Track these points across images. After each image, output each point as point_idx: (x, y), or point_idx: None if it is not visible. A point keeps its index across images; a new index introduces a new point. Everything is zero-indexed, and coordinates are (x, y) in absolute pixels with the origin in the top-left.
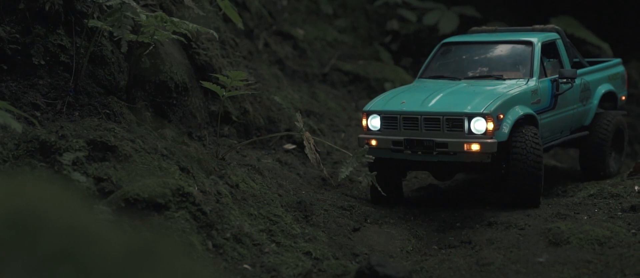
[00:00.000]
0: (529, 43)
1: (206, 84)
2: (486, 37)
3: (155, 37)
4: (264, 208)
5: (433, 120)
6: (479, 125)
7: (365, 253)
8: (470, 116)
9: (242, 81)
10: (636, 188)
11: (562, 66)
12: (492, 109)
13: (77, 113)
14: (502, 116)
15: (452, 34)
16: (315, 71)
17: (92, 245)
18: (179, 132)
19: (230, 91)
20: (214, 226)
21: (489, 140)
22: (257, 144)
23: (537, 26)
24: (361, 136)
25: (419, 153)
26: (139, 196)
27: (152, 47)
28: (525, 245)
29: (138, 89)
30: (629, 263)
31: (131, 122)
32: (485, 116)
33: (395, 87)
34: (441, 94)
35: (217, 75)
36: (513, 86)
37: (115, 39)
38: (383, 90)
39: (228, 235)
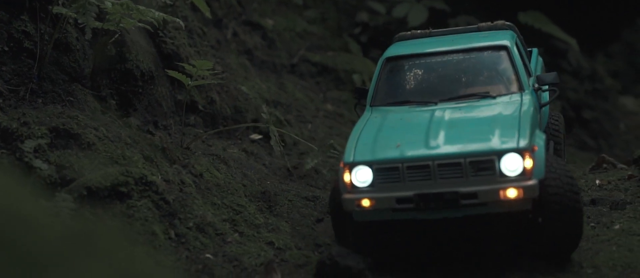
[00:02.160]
0: (502, 48)
1: (172, 73)
2: (439, 46)
3: (121, 25)
4: (228, 198)
5: (451, 165)
6: (512, 163)
7: (328, 244)
8: (501, 154)
9: (208, 70)
10: (597, 182)
11: (527, 69)
12: (527, 141)
13: (40, 100)
14: (536, 148)
15: (421, 26)
16: (283, 61)
17: (32, 231)
18: (144, 121)
19: (196, 80)
20: (177, 216)
21: (529, 182)
22: (223, 134)
23: (483, 24)
24: (347, 196)
25: (437, 210)
26: (101, 184)
27: (117, 35)
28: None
29: (103, 77)
30: (587, 256)
31: (95, 110)
32: (521, 151)
33: (363, 78)
34: (442, 128)
35: (183, 64)
36: (513, 105)
37: (80, 26)
38: (351, 82)
39: (191, 224)
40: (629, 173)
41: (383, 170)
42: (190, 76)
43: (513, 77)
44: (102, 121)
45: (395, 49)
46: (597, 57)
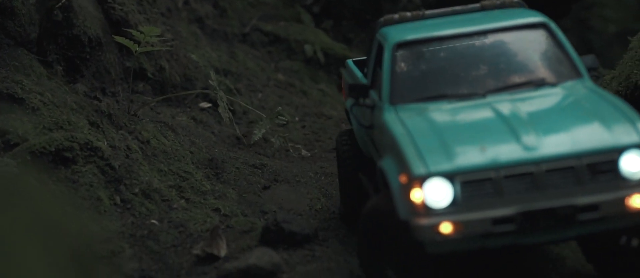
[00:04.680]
0: (541, 26)
1: (119, 39)
2: (458, 27)
3: None
4: (175, 165)
5: (563, 170)
6: (634, 162)
7: (274, 211)
8: (622, 150)
9: (157, 37)
10: None
11: None
12: None
13: None
14: None
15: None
16: (235, 30)
17: None
18: (92, 87)
19: (144, 47)
20: (123, 181)
21: None
22: (172, 102)
23: (487, 2)
24: (422, 222)
25: (546, 230)
26: (46, 149)
27: (64, 0)
28: None
29: (50, 42)
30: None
31: (41, 75)
32: None
33: (315, 49)
34: (525, 125)
35: (131, 31)
36: (589, 93)
37: None
38: (303, 52)
39: (136, 190)
40: None
41: (471, 183)
42: (138, 42)
43: (564, 60)
44: (48, 86)
45: (403, 33)
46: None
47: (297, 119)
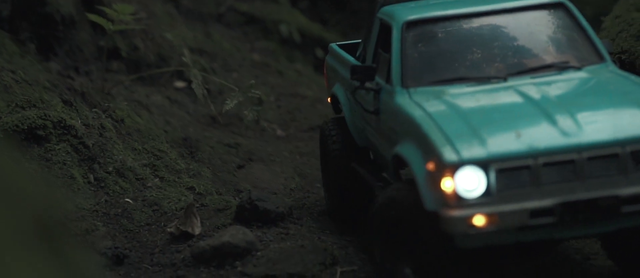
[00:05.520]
0: (558, 5)
1: (92, 17)
2: (469, 5)
3: None
4: (149, 143)
5: (605, 158)
6: None
7: (249, 190)
8: None
9: (131, 15)
10: None
11: None
12: None
13: None
14: None
15: None
16: (211, 10)
17: None
18: (65, 66)
19: (118, 25)
20: (96, 160)
21: None
22: (147, 82)
23: None
24: (454, 213)
25: (587, 224)
26: (18, 127)
27: None
28: None
29: (22, 20)
30: None
31: (13, 53)
32: None
33: (291, 30)
34: (559, 110)
35: (105, 8)
36: (617, 77)
37: None
38: (278, 32)
39: (110, 168)
40: None
41: (507, 171)
42: (112, 20)
43: (586, 43)
44: (20, 64)
45: (412, 12)
46: None
47: (272, 98)
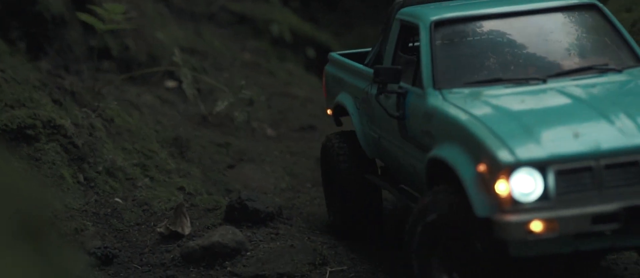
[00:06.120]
0: (591, 7)
1: (83, 16)
2: (499, 6)
3: None
4: (139, 143)
5: None
6: None
7: (239, 189)
8: None
9: (121, 15)
10: None
11: None
12: None
13: None
14: None
15: None
16: (202, 9)
17: None
18: (55, 65)
19: (108, 24)
20: (86, 159)
21: None
22: (137, 82)
23: None
24: (510, 219)
25: None
26: (8, 127)
27: None
28: None
29: (12, 19)
30: None
31: (3, 52)
32: None
33: (282, 30)
34: (615, 110)
35: (95, 8)
36: None
37: None
38: (269, 32)
39: (100, 168)
40: None
41: (567, 173)
42: (102, 20)
43: (622, 45)
44: (10, 63)
45: (440, 11)
46: None
47: (263, 98)
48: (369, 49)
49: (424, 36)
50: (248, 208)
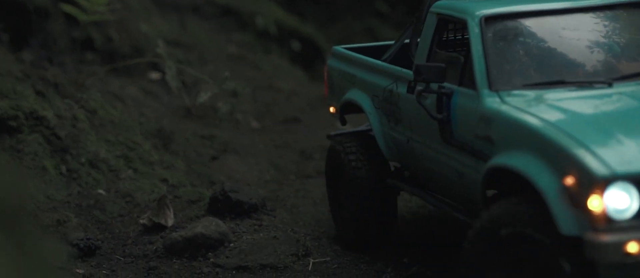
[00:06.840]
0: None
1: (66, 7)
2: (555, 2)
3: None
4: (123, 135)
5: None
6: None
7: (222, 181)
8: None
9: (105, 6)
10: None
11: None
12: None
13: None
14: None
15: None
16: (187, 1)
17: None
18: (38, 57)
19: (91, 15)
20: (69, 151)
21: None
22: (121, 73)
23: None
24: (606, 239)
25: None
26: None
27: None
28: None
29: None
30: None
31: None
32: None
33: (267, 22)
34: None
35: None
36: None
37: None
38: (254, 24)
39: (83, 159)
40: None
41: None
42: (85, 11)
43: None
44: None
45: (490, 6)
46: None
47: (248, 91)
48: (376, 43)
49: (474, 32)
50: (231, 200)
